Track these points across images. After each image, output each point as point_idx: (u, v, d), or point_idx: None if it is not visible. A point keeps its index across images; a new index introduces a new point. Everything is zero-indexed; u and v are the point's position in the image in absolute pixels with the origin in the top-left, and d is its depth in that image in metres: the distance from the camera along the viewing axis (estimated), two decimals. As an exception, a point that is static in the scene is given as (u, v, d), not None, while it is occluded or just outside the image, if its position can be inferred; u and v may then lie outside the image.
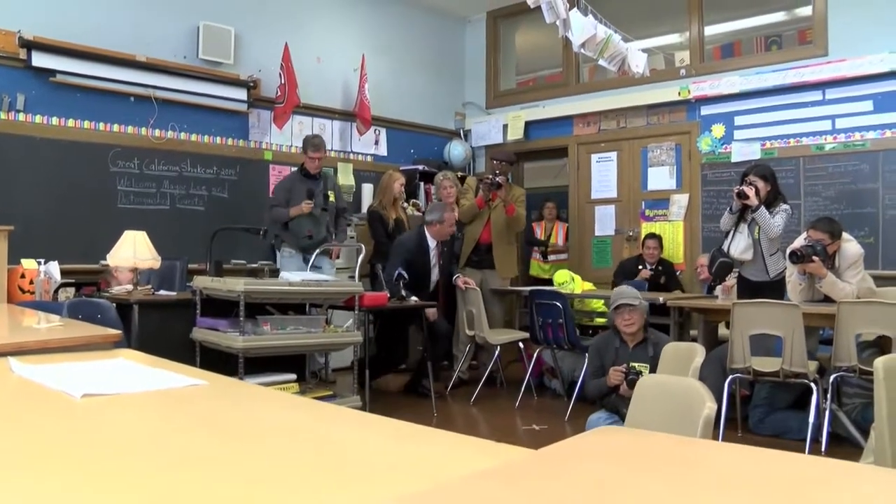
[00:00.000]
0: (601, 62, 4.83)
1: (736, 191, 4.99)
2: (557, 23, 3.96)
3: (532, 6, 3.81)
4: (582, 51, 4.54)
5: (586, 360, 4.66)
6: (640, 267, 6.61)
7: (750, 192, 4.91)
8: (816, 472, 0.99)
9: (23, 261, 4.45)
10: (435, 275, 5.92)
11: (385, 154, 7.90)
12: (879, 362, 1.74)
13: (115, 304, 4.15)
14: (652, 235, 6.68)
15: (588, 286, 6.40)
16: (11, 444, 1.21)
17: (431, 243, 5.86)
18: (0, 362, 1.92)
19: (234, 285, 3.99)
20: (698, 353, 1.92)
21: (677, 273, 6.72)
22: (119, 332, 2.34)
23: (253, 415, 1.50)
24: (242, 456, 1.15)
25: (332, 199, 6.08)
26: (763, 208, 4.93)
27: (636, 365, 4.18)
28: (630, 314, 4.31)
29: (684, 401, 1.45)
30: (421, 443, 1.27)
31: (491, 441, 1.24)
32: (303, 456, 1.17)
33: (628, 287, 4.60)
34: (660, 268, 6.57)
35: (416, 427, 1.34)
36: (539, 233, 7.96)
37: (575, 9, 4.22)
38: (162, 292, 4.71)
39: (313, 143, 6.01)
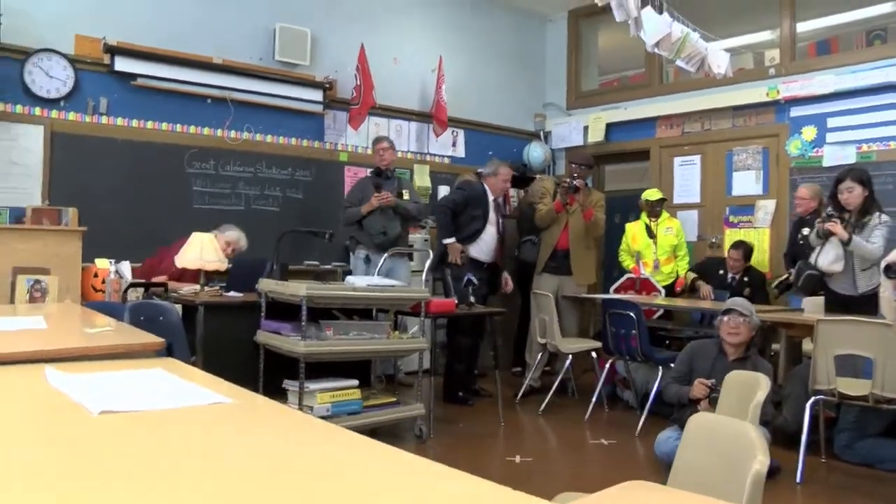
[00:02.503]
0: (678, 63, 4.60)
1: (820, 232, 4.73)
2: (629, 21, 3.77)
3: (600, 4, 3.64)
4: (656, 50, 4.33)
5: (674, 363, 4.43)
6: (722, 272, 6.31)
7: (836, 228, 4.63)
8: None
9: (96, 260, 4.54)
10: (489, 234, 5.94)
11: (463, 156, 7.81)
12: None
13: (180, 306, 4.21)
14: (737, 245, 6.30)
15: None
16: (18, 458, 1.16)
17: (490, 196, 6.00)
18: (36, 369, 1.90)
19: (297, 289, 3.96)
20: (762, 385, 1.74)
21: (767, 283, 6.36)
22: (162, 340, 2.30)
23: (266, 441, 1.42)
24: (239, 484, 1.07)
25: (405, 197, 6.00)
26: (856, 240, 4.62)
27: None
28: (737, 324, 4.10)
29: (735, 450, 1.29)
30: (430, 487, 1.15)
31: (507, 488, 1.12)
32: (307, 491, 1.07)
33: (741, 300, 4.36)
34: (745, 278, 6.23)
35: (432, 465, 1.21)
36: None
37: (648, 7, 4.02)
38: (232, 293, 4.73)
39: (376, 138, 6.24)
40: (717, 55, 4.72)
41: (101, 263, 4.47)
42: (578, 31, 8.48)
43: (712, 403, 3.84)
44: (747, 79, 6.70)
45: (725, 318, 4.15)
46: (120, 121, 5.75)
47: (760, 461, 1.22)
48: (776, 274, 6.27)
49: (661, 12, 4.14)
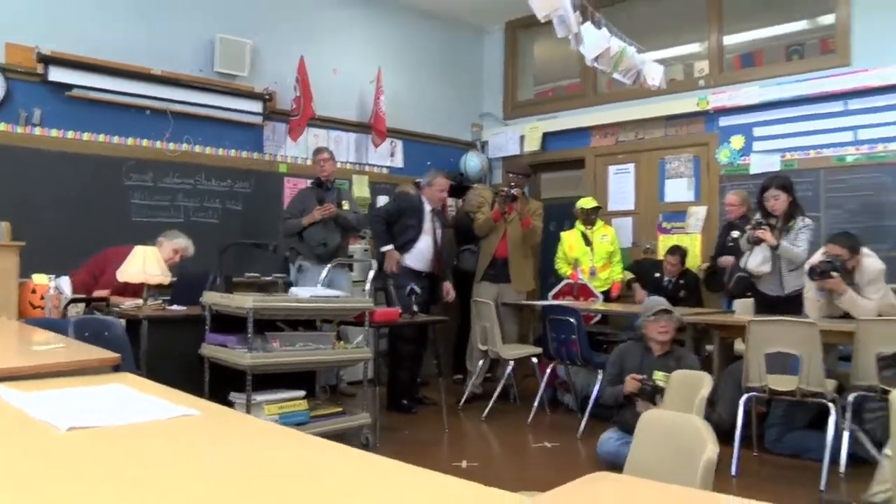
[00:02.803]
0: (615, 76, 4.77)
1: (750, 238, 5.02)
2: (570, 37, 3.91)
3: (543, 21, 3.76)
4: (595, 65, 4.49)
5: (605, 368, 4.61)
6: (658, 275, 6.52)
7: (765, 234, 4.88)
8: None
9: (34, 276, 4.45)
10: (425, 243, 5.99)
11: (401, 166, 7.88)
12: (895, 395, 1.67)
13: (124, 320, 4.16)
14: (673, 250, 6.52)
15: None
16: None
17: (427, 206, 6.06)
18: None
19: (243, 302, 3.96)
20: (705, 383, 1.86)
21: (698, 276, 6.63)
22: (118, 355, 2.31)
23: (238, 450, 1.46)
24: (219, 495, 1.11)
25: (346, 207, 6.04)
26: (784, 245, 4.88)
27: (659, 374, 4.16)
28: (667, 322, 4.32)
29: (686, 441, 1.39)
30: (411, 487, 1.21)
31: (486, 486, 1.19)
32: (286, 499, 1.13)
33: (655, 298, 4.58)
34: (681, 281, 6.46)
35: (407, 468, 1.28)
36: None
37: (588, 22, 4.17)
38: (175, 307, 4.70)
39: (316, 149, 6.30)
40: (652, 68, 4.92)
41: (39, 279, 4.38)
42: (515, 43, 8.64)
43: (646, 397, 4.03)
44: (678, 90, 6.95)
45: (653, 318, 4.35)
46: (55, 132, 5.65)
47: (711, 449, 1.33)
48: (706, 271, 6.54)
49: (599, 28, 4.30)
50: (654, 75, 4.96)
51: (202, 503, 1.11)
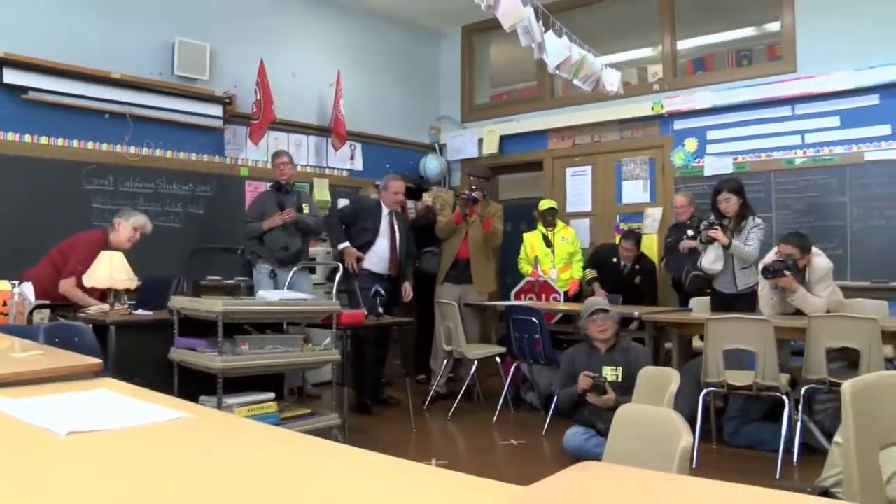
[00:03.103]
0: (576, 82, 4.90)
1: (703, 237, 5.22)
2: (533, 45, 4.02)
3: (508, 31, 3.87)
4: (557, 72, 4.62)
5: (559, 373, 4.75)
6: (615, 260, 6.65)
7: (717, 234, 5.08)
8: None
9: (-4, 282, 4.40)
10: (381, 245, 6.07)
11: (361, 169, 7.93)
12: (847, 385, 1.79)
13: (91, 326, 4.15)
14: (627, 235, 6.67)
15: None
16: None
17: (384, 210, 6.15)
18: (-20, 396, 1.91)
19: (213, 306, 3.98)
20: (673, 379, 1.97)
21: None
22: (100, 360, 2.33)
23: (242, 451, 1.51)
24: (236, 496, 1.17)
25: (306, 211, 6.07)
26: (735, 244, 5.08)
27: (608, 369, 4.33)
28: (604, 321, 4.49)
29: (661, 432, 1.49)
30: (411, 481, 1.29)
31: (479, 478, 1.27)
32: (299, 498, 1.19)
33: (595, 298, 4.74)
34: (637, 266, 6.63)
35: (404, 463, 1.36)
36: None
37: (550, 31, 4.29)
38: (140, 312, 4.69)
39: (275, 152, 6.30)
40: (610, 74, 5.07)
41: (2, 285, 4.33)
42: (472, 46, 8.76)
43: (598, 392, 4.22)
44: (633, 94, 7.12)
45: (592, 318, 4.53)
46: (11, 136, 5.57)
47: (686, 438, 1.43)
48: (665, 279, 6.72)
49: (560, 36, 4.43)
50: (612, 81, 5.12)
51: (217, 500, 1.17)
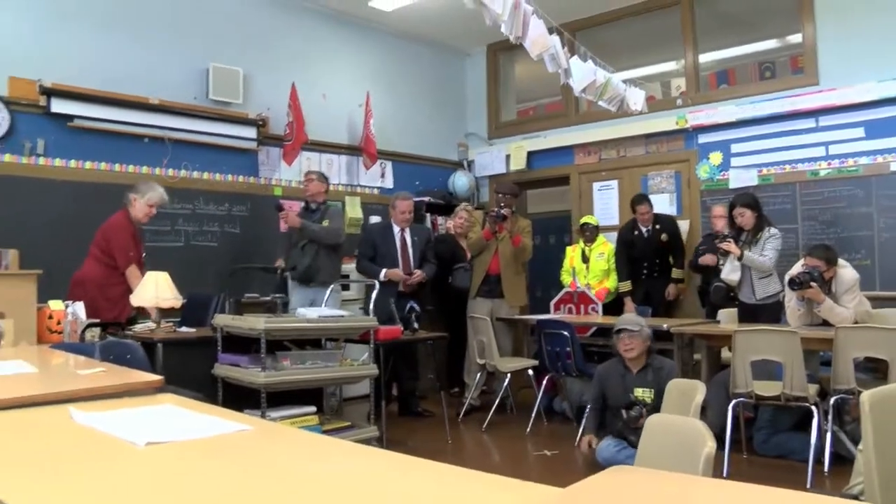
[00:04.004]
0: (600, 103, 5.04)
1: (720, 250, 5.40)
2: (559, 71, 4.17)
3: (536, 59, 4.01)
4: (583, 95, 4.75)
5: (591, 390, 4.84)
6: (636, 232, 6.74)
7: (730, 246, 5.21)
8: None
9: (50, 302, 4.60)
10: (402, 263, 6.19)
11: (391, 186, 8.09)
12: (866, 395, 1.90)
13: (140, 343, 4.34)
14: (639, 199, 6.73)
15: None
16: (84, 492, 1.37)
17: (396, 229, 6.31)
18: (58, 410, 2.08)
19: (256, 324, 4.15)
20: (699, 390, 2.09)
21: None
22: (161, 377, 2.50)
23: (304, 460, 1.66)
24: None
25: (325, 223, 6.17)
26: (748, 254, 5.20)
27: (640, 391, 4.39)
28: (630, 339, 4.49)
29: (687, 439, 1.61)
30: (458, 483, 1.43)
31: (519, 480, 1.40)
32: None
33: (633, 315, 4.77)
34: (657, 226, 6.71)
35: (454, 469, 1.50)
36: None
37: (575, 56, 4.43)
38: (184, 329, 4.89)
39: (306, 172, 6.51)
40: (634, 94, 5.21)
41: (56, 305, 4.53)
42: (497, 64, 8.92)
43: (634, 423, 4.22)
44: (658, 109, 7.23)
45: (619, 337, 4.53)
46: (58, 162, 5.80)
47: (710, 445, 1.55)
48: (693, 290, 6.82)
49: (585, 60, 4.57)
50: (637, 101, 5.25)
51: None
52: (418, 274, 6.14)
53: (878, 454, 1.78)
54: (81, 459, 1.60)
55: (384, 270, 6.04)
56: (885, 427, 1.91)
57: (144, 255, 5.25)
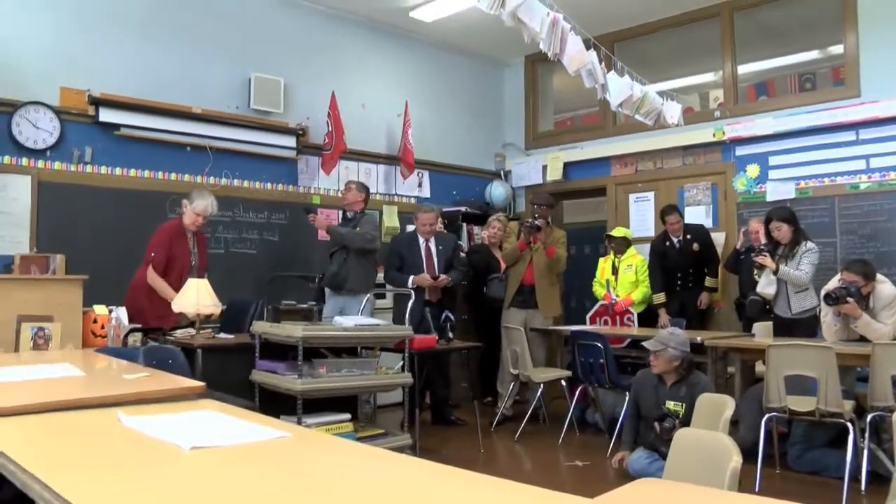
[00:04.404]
0: (637, 117, 5.06)
1: (756, 264, 5.37)
2: (596, 87, 4.20)
3: (573, 75, 4.06)
4: (619, 109, 4.78)
5: (627, 400, 4.85)
6: (668, 243, 6.76)
7: (766, 260, 5.19)
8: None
9: (95, 307, 4.74)
10: (427, 271, 6.22)
11: (428, 196, 8.17)
12: (897, 415, 1.91)
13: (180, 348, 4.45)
14: (668, 210, 6.78)
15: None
16: (139, 492, 1.44)
17: (421, 239, 6.33)
18: (107, 413, 2.17)
19: (293, 331, 4.23)
20: (728, 405, 2.11)
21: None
22: (203, 384, 2.59)
23: (343, 466, 1.73)
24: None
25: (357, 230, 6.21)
26: (783, 269, 5.17)
27: (672, 403, 4.39)
28: (655, 357, 4.50)
29: (714, 454, 1.65)
30: (495, 495, 1.48)
31: (550, 490, 1.45)
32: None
33: (668, 331, 4.72)
34: (688, 236, 6.74)
35: (488, 479, 1.55)
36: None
37: (612, 71, 4.47)
38: (222, 335, 5.00)
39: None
40: (671, 108, 5.22)
41: (100, 310, 4.67)
42: (535, 75, 8.96)
43: (664, 433, 4.26)
44: (695, 120, 7.21)
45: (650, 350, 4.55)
46: (104, 169, 5.96)
47: (735, 460, 1.59)
48: (730, 302, 6.79)
49: (622, 75, 4.60)
50: (673, 114, 5.27)
51: None
52: (443, 278, 6.16)
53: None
54: (133, 462, 1.68)
55: (412, 277, 6.10)
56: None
57: (193, 263, 5.33)
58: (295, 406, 4.26)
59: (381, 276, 6.63)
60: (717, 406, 2.15)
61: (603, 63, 4.23)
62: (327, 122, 7.12)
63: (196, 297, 4.67)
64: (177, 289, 5.02)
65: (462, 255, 7.15)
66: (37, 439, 1.90)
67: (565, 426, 5.72)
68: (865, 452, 4.35)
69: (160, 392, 2.46)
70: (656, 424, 4.33)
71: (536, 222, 6.44)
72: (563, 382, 6.00)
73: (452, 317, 5.54)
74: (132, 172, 6.11)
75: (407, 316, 4.89)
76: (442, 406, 6.35)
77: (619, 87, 4.53)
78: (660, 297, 6.69)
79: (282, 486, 1.51)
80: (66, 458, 1.71)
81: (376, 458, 1.82)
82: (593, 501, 1.30)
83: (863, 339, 4.71)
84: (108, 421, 2.09)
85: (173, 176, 6.32)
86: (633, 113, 4.88)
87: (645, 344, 4.55)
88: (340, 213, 6.52)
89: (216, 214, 6.44)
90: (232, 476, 1.59)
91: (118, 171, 6.04)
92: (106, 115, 5.94)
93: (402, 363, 4.77)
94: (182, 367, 3.89)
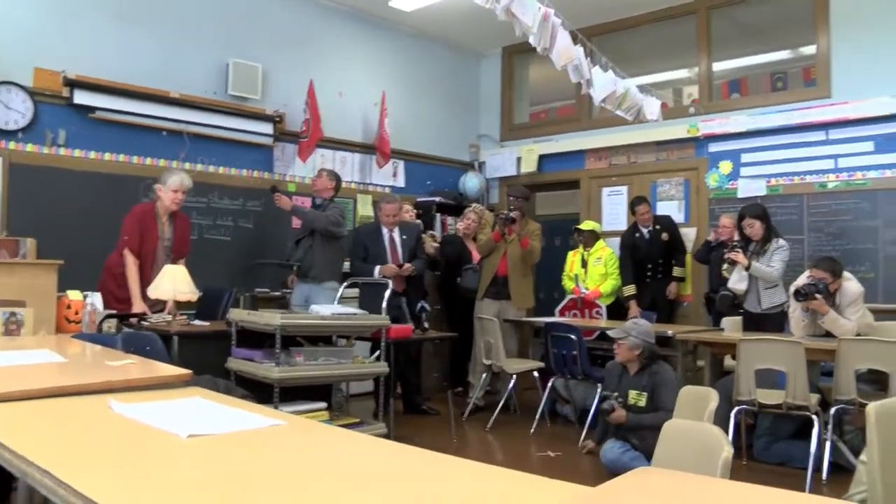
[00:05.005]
0: (618, 112, 5.13)
1: (728, 260, 5.49)
2: (582, 82, 4.26)
3: (560, 69, 4.10)
4: (603, 104, 4.85)
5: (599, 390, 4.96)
6: (637, 234, 6.86)
7: (738, 257, 5.31)
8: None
9: (69, 292, 4.69)
10: (392, 261, 6.22)
11: (403, 185, 8.19)
12: (871, 408, 1.98)
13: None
14: (638, 201, 6.93)
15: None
16: (144, 479, 1.46)
17: (384, 230, 6.30)
18: (97, 400, 2.17)
19: (272, 319, 4.24)
20: (713, 397, 2.17)
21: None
22: (190, 371, 2.59)
23: (339, 452, 1.75)
24: (345, 490, 1.41)
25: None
26: (755, 265, 5.29)
27: (634, 392, 4.58)
28: (617, 345, 4.67)
29: (705, 445, 1.70)
30: (495, 482, 1.52)
31: (549, 479, 1.49)
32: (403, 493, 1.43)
33: (632, 322, 4.85)
34: (657, 227, 6.87)
35: (489, 467, 1.59)
36: None
37: (597, 66, 4.52)
38: (196, 322, 4.98)
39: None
40: (651, 104, 5.30)
41: (74, 295, 4.63)
42: (511, 67, 9.01)
43: (603, 414, 4.56)
44: (669, 116, 7.29)
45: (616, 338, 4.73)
46: (78, 152, 5.89)
47: (727, 450, 1.65)
48: (699, 297, 6.92)
49: (606, 70, 4.66)
50: (653, 110, 5.35)
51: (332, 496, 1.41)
52: (407, 266, 6.15)
53: (882, 465, 1.87)
54: (132, 450, 1.69)
55: (377, 268, 6.10)
56: (890, 439, 1.99)
57: (167, 245, 5.25)
58: (271, 394, 4.27)
59: (347, 266, 6.65)
60: (701, 398, 2.22)
61: (589, 58, 4.28)
62: (305, 110, 7.10)
63: (173, 284, 4.64)
64: (142, 275, 4.99)
65: (435, 244, 7.19)
66: (29, 427, 1.89)
67: (537, 417, 5.79)
68: (828, 444, 4.48)
69: (148, 379, 2.47)
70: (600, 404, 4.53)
71: (512, 214, 6.49)
72: (536, 373, 6.07)
73: (427, 307, 5.56)
74: (107, 156, 6.05)
75: (384, 305, 4.90)
76: (414, 395, 6.40)
77: (604, 83, 4.59)
78: (630, 290, 6.80)
79: (284, 471, 1.54)
80: (63, 445, 1.71)
81: (372, 446, 1.85)
82: (595, 490, 1.34)
83: (829, 335, 4.83)
84: (99, 408, 2.09)
85: (148, 160, 6.27)
86: (615, 108, 4.95)
87: (609, 332, 4.70)
88: (311, 200, 6.51)
89: (191, 200, 6.43)
90: (232, 463, 1.62)
91: (92, 154, 5.98)
92: (81, 98, 5.87)
93: (378, 352, 4.80)
94: (161, 354, 3.87)
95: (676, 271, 6.90)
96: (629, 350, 4.62)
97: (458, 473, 1.60)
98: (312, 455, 1.74)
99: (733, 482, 1.40)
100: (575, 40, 4.08)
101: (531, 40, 3.89)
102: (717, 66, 7.53)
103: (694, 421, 2.01)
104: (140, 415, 2.00)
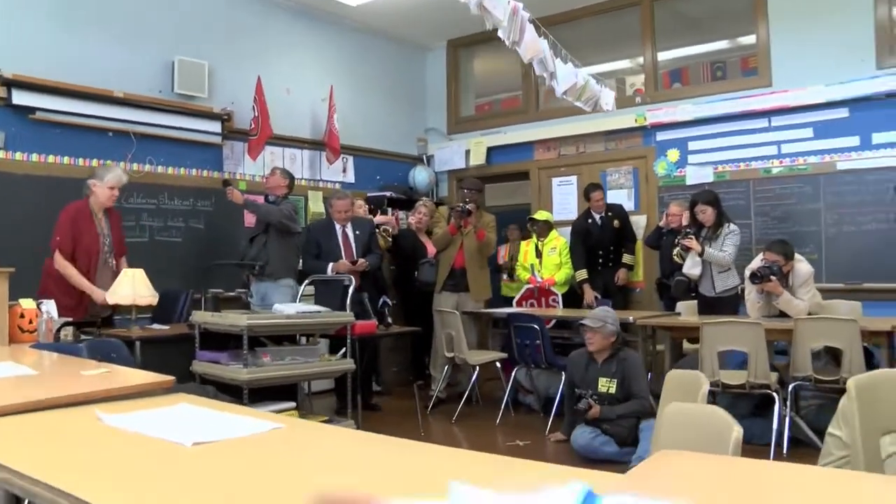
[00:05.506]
0: (577, 104, 5.19)
1: (679, 246, 5.63)
2: (545, 74, 4.30)
3: (526, 62, 4.14)
4: (564, 96, 4.90)
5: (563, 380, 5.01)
6: (590, 220, 6.96)
7: (691, 243, 5.43)
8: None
9: (21, 300, 4.53)
10: (345, 257, 6.16)
11: (353, 181, 8.13)
12: (852, 381, 2.05)
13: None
14: (594, 187, 7.02)
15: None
16: (155, 493, 1.42)
17: (337, 226, 6.24)
18: (83, 412, 2.10)
19: (238, 320, 4.18)
20: (704, 381, 2.22)
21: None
22: (173, 378, 2.54)
23: (350, 453, 1.74)
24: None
25: None
26: (708, 251, 5.42)
27: (603, 380, 4.62)
28: (591, 334, 4.68)
29: (712, 427, 1.74)
30: (518, 474, 1.52)
31: (579, 468, 1.51)
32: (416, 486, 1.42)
33: (602, 309, 4.94)
34: (609, 213, 6.99)
35: (506, 459, 1.59)
36: (503, 255, 8.21)
37: (558, 59, 4.57)
38: (156, 326, 4.88)
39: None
40: (606, 94, 5.39)
41: (27, 303, 4.47)
42: (457, 60, 9.02)
43: (578, 413, 4.58)
44: (617, 106, 7.39)
45: (583, 329, 4.75)
46: (19, 155, 5.69)
47: (737, 430, 1.69)
48: (651, 283, 7.06)
49: (566, 62, 4.71)
50: (608, 101, 5.44)
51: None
52: (362, 262, 6.08)
53: (863, 434, 1.93)
54: (140, 462, 1.64)
55: (331, 265, 6.05)
56: (867, 408, 2.06)
57: (107, 246, 5.07)
58: (240, 396, 4.20)
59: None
60: (691, 382, 2.26)
61: (551, 51, 4.33)
62: (253, 107, 6.98)
63: (132, 288, 4.53)
64: (88, 277, 4.84)
65: (390, 238, 7.17)
66: (23, 444, 1.81)
67: (502, 408, 5.84)
68: (787, 420, 4.64)
69: (131, 388, 2.40)
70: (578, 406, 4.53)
71: (467, 207, 6.51)
72: (498, 364, 6.11)
73: (389, 301, 5.55)
74: (50, 158, 5.85)
75: (348, 302, 4.88)
76: (365, 391, 6.35)
77: (565, 75, 4.64)
78: (582, 274, 6.88)
79: (301, 474, 1.53)
80: (66, 462, 1.64)
81: (377, 444, 1.85)
82: (628, 475, 1.36)
83: (782, 315, 4.99)
84: (88, 420, 2.02)
85: (94, 162, 6.06)
86: (575, 100, 5.01)
87: (585, 322, 4.70)
88: (263, 198, 6.41)
89: (140, 202, 6.30)
90: (246, 469, 1.59)
91: (35, 157, 5.77)
92: (20, 98, 5.66)
93: (344, 350, 4.76)
94: (125, 360, 3.77)
95: (626, 258, 7.02)
96: (604, 338, 4.65)
97: (473, 466, 1.60)
98: (326, 456, 1.72)
99: (763, 461, 1.44)
100: (538, 32, 4.12)
101: (500, 34, 3.92)
102: (660, 56, 7.66)
103: (693, 404, 2.04)
104: (134, 425, 1.94)
